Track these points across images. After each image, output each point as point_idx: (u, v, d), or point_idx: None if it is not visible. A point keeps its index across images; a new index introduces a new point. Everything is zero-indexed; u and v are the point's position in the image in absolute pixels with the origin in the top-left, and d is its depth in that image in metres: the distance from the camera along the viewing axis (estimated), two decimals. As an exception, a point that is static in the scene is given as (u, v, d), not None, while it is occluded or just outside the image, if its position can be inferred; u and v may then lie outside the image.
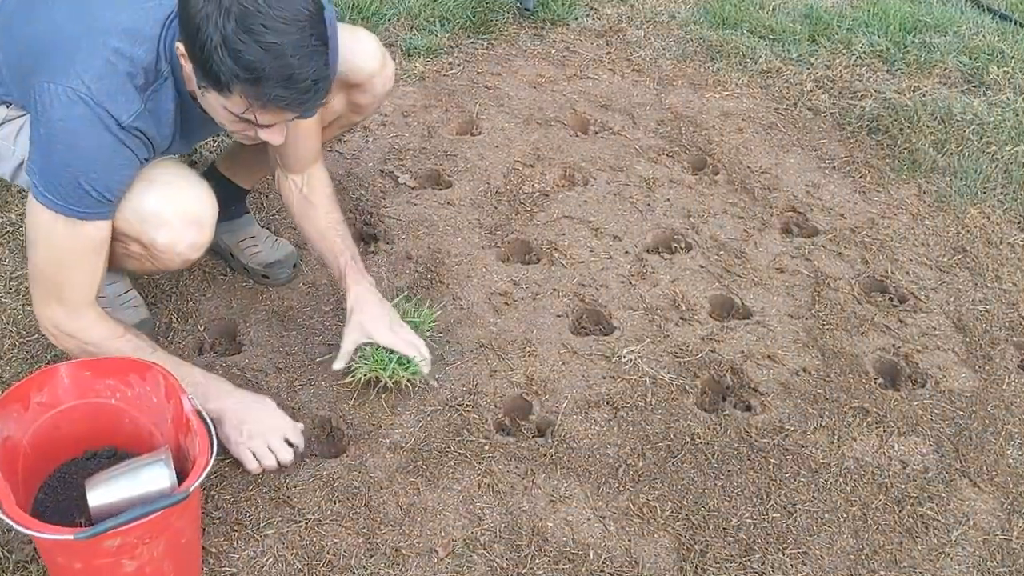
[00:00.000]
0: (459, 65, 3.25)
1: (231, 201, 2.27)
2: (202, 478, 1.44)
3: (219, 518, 1.75)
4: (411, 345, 1.93)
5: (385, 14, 3.44)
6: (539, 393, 2.07)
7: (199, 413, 1.56)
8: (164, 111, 1.60)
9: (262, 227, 2.35)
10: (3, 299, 2.17)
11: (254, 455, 1.77)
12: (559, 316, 2.28)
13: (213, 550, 1.70)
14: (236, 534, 1.73)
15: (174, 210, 1.69)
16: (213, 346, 2.14)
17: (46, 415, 1.64)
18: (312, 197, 2.02)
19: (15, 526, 1.35)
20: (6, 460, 1.54)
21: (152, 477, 1.56)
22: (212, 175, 2.25)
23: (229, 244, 2.28)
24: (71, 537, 1.33)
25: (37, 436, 1.63)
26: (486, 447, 1.94)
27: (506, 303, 2.30)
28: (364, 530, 1.77)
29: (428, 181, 2.72)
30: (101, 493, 1.55)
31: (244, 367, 2.07)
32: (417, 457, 1.91)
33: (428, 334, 2.13)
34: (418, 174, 2.72)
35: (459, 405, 2.02)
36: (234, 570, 1.68)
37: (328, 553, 1.72)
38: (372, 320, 1.92)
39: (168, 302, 2.20)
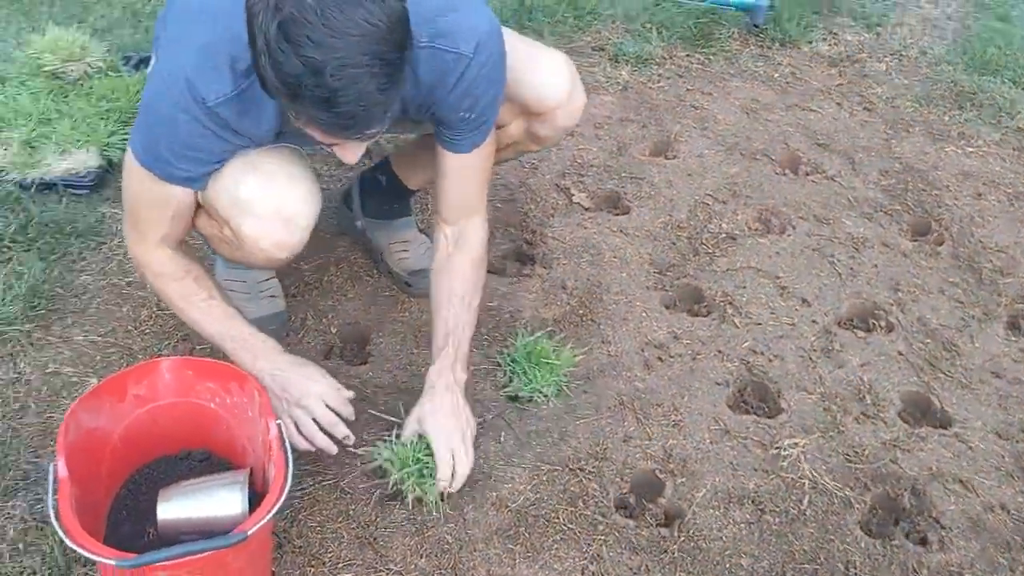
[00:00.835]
0: (668, 79, 2.99)
1: (394, 199, 2.14)
2: (264, 521, 1.30)
3: (300, 547, 1.62)
4: (447, 463, 1.67)
5: (600, 14, 3.23)
6: (675, 473, 1.81)
7: (283, 443, 1.42)
8: (262, 102, 1.45)
9: (421, 232, 2.20)
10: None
11: (296, 425, 1.62)
12: (718, 384, 2.00)
13: (284, 581, 1.58)
14: (313, 570, 1.59)
15: (267, 203, 1.56)
16: (342, 352, 2.02)
17: (142, 409, 1.56)
18: (455, 258, 1.77)
19: (63, 536, 1.26)
20: (88, 451, 1.46)
21: (225, 501, 1.45)
22: (384, 169, 2.13)
23: (381, 244, 2.16)
24: (113, 563, 1.22)
25: (131, 429, 1.55)
26: (600, 526, 1.70)
27: (660, 358, 2.04)
28: (446, 595, 1.59)
29: (605, 203, 2.49)
30: (171, 507, 1.46)
31: (366, 380, 1.93)
32: (521, 521, 1.70)
33: (563, 380, 1.92)
34: (595, 194, 2.49)
35: (580, 469, 1.79)
36: (299, 611, 1.55)
37: (401, 613, 1.56)
38: (435, 421, 1.68)
39: (308, 297, 2.10)
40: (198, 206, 1.61)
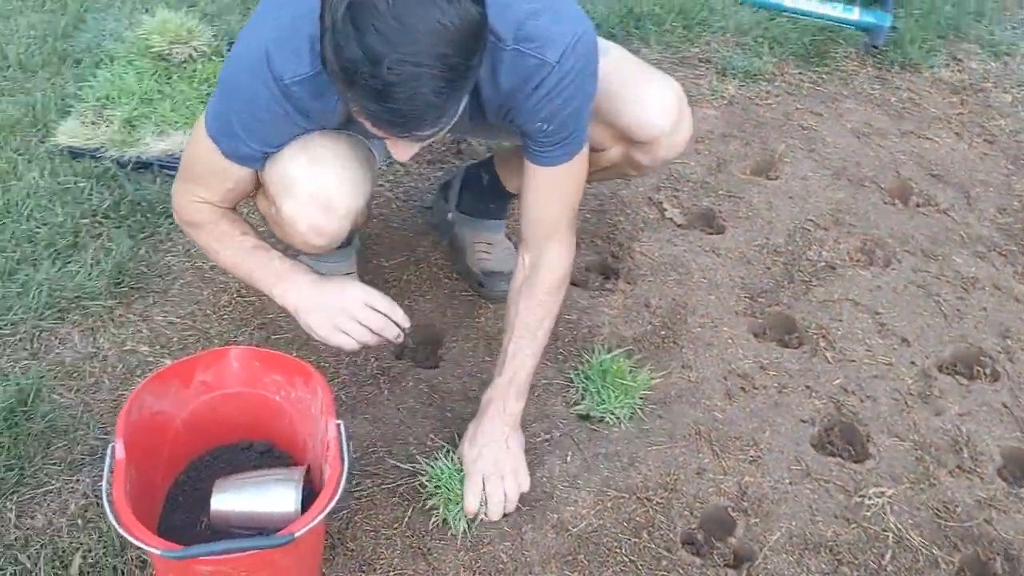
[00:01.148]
0: (776, 96, 2.87)
1: (491, 199, 2.09)
2: (313, 524, 1.27)
3: (352, 551, 1.58)
4: (474, 494, 1.61)
5: (710, 25, 3.12)
6: (749, 512, 1.71)
7: (341, 445, 1.38)
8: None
9: (509, 239, 2.15)
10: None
11: (341, 331, 1.58)
12: (804, 421, 1.89)
13: (334, 584, 1.54)
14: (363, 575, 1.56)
15: (308, 185, 1.52)
16: (414, 353, 1.98)
17: (208, 396, 1.55)
18: (529, 285, 1.67)
19: (112, 520, 1.24)
20: (150, 434, 1.45)
21: (279, 497, 1.43)
22: (488, 167, 2.07)
23: (465, 241, 2.11)
24: (158, 552, 1.20)
25: (195, 415, 1.54)
26: (664, 561, 1.62)
27: (743, 388, 1.94)
28: (496, 618, 1.53)
29: (698, 221, 2.39)
30: (225, 498, 1.44)
31: (435, 384, 1.89)
32: (581, 547, 1.63)
33: (638, 402, 1.84)
34: (689, 210, 2.40)
35: (648, 499, 1.71)
36: (345, 617, 1.51)
37: (449, 631, 1.51)
38: (472, 449, 1.64)
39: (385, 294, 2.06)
40: (258, 185, 1.59)
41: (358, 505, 1.66)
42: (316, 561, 1.47)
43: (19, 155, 2.29)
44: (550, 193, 1.63)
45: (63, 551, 1.52)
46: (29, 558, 1.51)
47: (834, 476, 1.78)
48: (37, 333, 1.88)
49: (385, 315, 1.59)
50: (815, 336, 2.07)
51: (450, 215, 2.13)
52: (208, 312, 1.99)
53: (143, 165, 2.29)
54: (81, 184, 2.21)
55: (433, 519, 1.64)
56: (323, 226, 1.55)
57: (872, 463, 1.82)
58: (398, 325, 1.60)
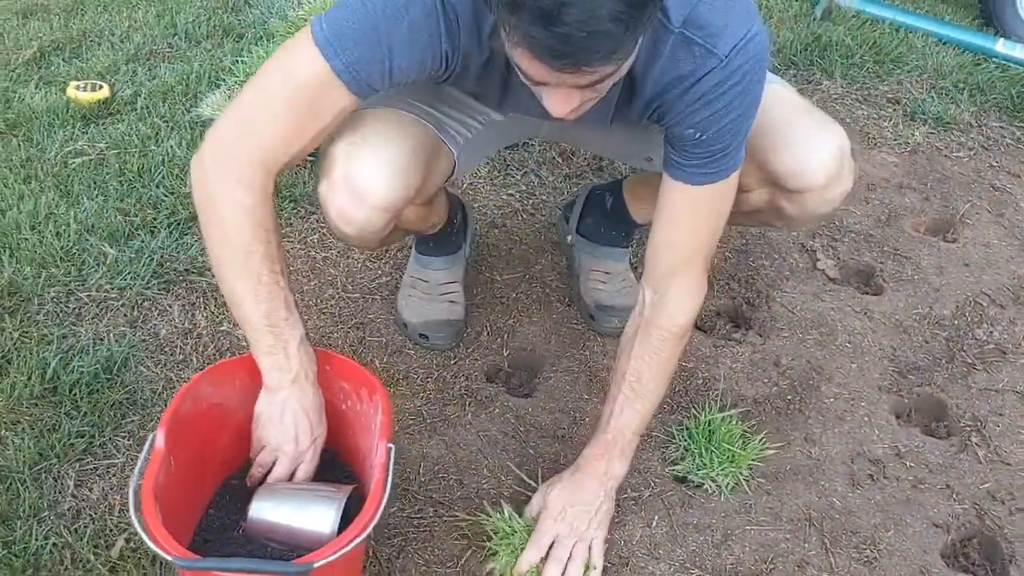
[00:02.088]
0: (970, 148, 2.55)
1: (613, 225, 1.93)
2: (334, 557, 1.15)
3: (400, 582, 1.47)
4: (537, 555, 1.45)
5: (906, 64, 2.83)
6: (852, 622, 1.48)
7: (387, 473, 1.26)
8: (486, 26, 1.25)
9: (632, 271, 1.98)
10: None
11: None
12: (937, 526, 1.62)
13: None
14: (405, 612, 1.44)
15: (345, 167, 1.39)
16: (508, 379, 1.84)
17: (272, 393, 1.46)
18: (650, 326, 1.45)
19: (131, 509, 1.17)
20: (205, 427, 1.39)
21: (317, 516, 1.32)
22: (614, 190, 1.92)
23: (583, 267, 1.96)
24: (170, 559, 1.12)
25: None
26: (739, 662, 1.41)
27: (872, 475, 1.69)
28: None
29: (855, 277, 2.14)
30: (264, 507, 1.35)
31: (523, 415, 1.75)
32: (648, 628, 1.45)
33: (744, 473, 1.64)
34: (846, 264, 2.15)
35: (736, 586, 1.51)
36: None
37: None
38: (555, 507, 1.47)
39: (491, 311, 1.95)
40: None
41: (415, 534, 1.54)
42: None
43: (164, 121, 2.32)
44: (688, 217, 1.40)
45: (110, 530, 1.48)
46: (76, 531, 1.47)
47: (962, 596, 1.52)
48: (140, 301, 1.87)
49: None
50: (968, 428, 1.79)
51: (570, 237, 1.99)
52: (309, 304, 1.93)
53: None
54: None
55: (490, 567, 1.49)
56: (352, 215, 1.41)
57: (1014, 589, 1.54)
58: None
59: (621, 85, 1.33)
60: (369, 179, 1.40)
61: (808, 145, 1.47)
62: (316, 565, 1.13)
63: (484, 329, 1.90)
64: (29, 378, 1.65)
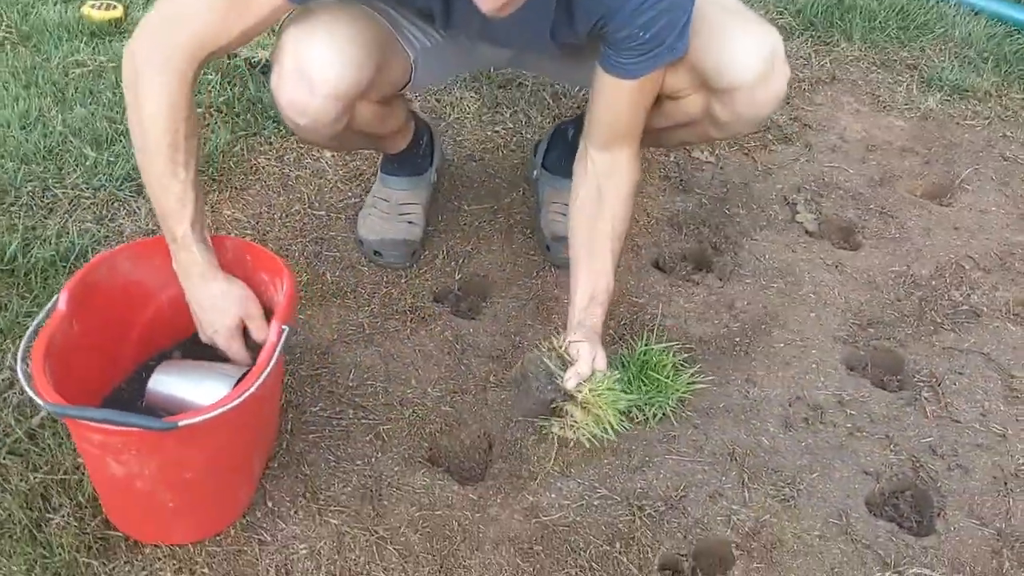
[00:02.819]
0: (986, 118, 2.45)
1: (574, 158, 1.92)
2: (197, 420, 1.17)
3: (306, 475, 1.48)
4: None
5: (932, 31, 2.73)
6: (755, 556, 1.44)
7: (271, 353, 1.28)
8: None
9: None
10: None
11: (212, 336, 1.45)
12: (867, 474, 1.57)
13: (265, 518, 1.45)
14: (304, 501, 1.45)
15: (296, 56, 1.41)
16: (456, 301, 1.84)
17: (197, 279, 1.50)
18: (604, 190, 1.58)
19: (16, 362, 1.22)
20: (119, 303, 1.42)
21: (211, 391, 1.35)
22: (577, 124, 1.91)
23: (543, 199, 1.95)
24: (41, 404, 1.16)
25: (181, 297, 1.50)
26: (628, 579, 1.40)
27: (808, 419, 1.65)
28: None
29: (834, 233, 2.08)
30: (163, 380, 1.39)
31: (463, 335, 1.74)
32: (544, 539, 1.44)
33: (674, 406, 1.61)
34: (828, 220, 2.09)
35: (641, 508, 1.49)
36: (265, 539, 1.41)
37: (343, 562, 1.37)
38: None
39: (450, 237, 1.95)
40: None
41: (331, 432, 1.56)
42: (237, 463, 1.37)
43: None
44: (627, 102, 1.51)
45: (31, 405, 1.52)
46: (4, 399, 1.53)
47: (878, 542, 1.47)
48: (110, 201, 1.93)
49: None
50: (922, 384, 1.73)
51: (535, 171, 1.98)
52: (275, 217, 1.96)
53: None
54: (209, 76, 2.25)
55: (397, 467, 1.51)
56: (304, 104, 1.43)
57: (934, 541, 1.48)
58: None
59: (558, 14, 1.39)
60: (320, 66, 1.42)
61: (738, 43, 1.48)
62: (181, 424, 1.16)
63: (441, 253, 1.91)
64: (-12, 259, 1.72)
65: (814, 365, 1.75)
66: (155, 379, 1.38)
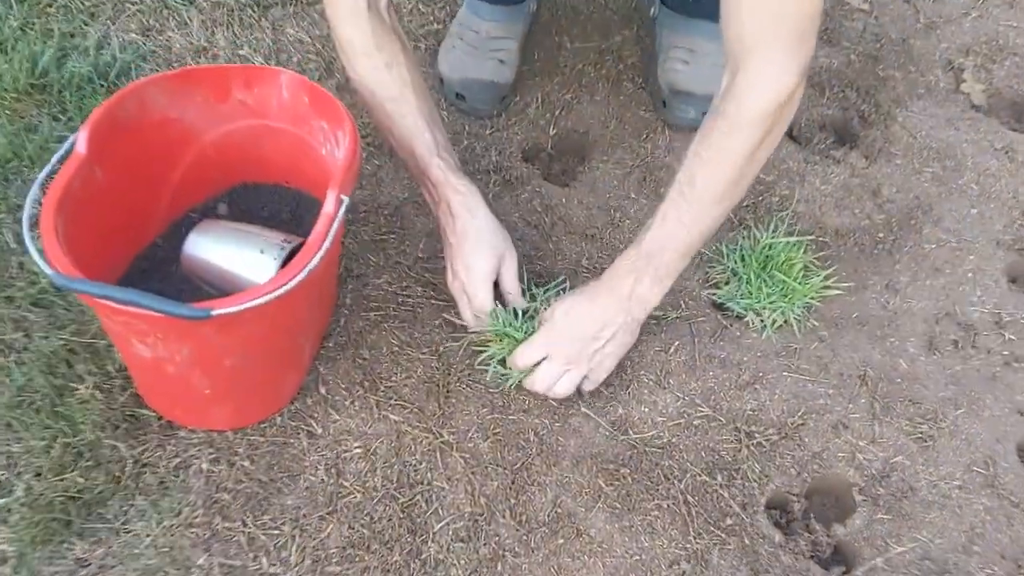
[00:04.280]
0: None
1: None
2: (235, 309, 0.96)
3: (365, 360, 1.28)
4: (527, 363, 1.25)
5: None
6: (882, 504, 1.22)
7: (329, 225, 1.04)
8: None
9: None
10: None
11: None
12: (1022, 415, 1.32)
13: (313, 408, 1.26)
14: (328, 409, 1.26)
15: None
16: (548, 162, 1.57)
17: (247, 122, 1.25)
18: (716, 113, 1.13)
19: (23, 222, 1.00)
20: (154, 144, 1.19)
21: (256, 264, 1.15)
22: None
23: (663, 44, 1.62)
24: (50, 275, 0.95)
25: (230, 141, 1.26)
26: (729, 520, 1.19)
27: (957, 342, 1.39)
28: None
29: (1006, 109, 1.73)
30: (201, 243, 1.18)
31: (554, 206, 1.49)
32: (631, 461, 1.23)
33: (798, 313, 1.36)
34: (998, 92, 1.74)
35: (750, 435, 1.27)
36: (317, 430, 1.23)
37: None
38: (565, 331, 1.23)
39: (548, 81, 1.65)
40: None
41: (396, 311, 1.34)
42: (284, 349, 1.17)
43: None
44: None
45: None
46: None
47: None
48: (159, 9, 1.66)
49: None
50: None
51: (653, 9, 1.65)
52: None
53: None
54: None
55: (469, 360, 1.30)
56: None
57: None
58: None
59: None
60: None
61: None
62: (214, 313, 0.95)
63: (534, 101, 1.62)
64: (19, 70, 1.49)
65: (970, 274, 1.47)
66: (192, 241, 1.17)
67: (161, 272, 1.22)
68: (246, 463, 1.18)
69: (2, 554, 1.08)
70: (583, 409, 1.27)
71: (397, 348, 1.31)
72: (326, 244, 1.03)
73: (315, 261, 1.01)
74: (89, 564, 1.09)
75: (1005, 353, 1.38)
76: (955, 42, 1.80)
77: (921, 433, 1.29)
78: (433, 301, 1.35)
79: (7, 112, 1.46)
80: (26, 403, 1.18)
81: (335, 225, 1.04)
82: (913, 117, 1.67)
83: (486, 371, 1.27)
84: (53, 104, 1.48)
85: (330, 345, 1.29)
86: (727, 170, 1.14)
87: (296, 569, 1.12)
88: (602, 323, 1.22)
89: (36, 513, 1.10)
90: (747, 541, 1.18)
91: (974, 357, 1.37)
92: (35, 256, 0.97)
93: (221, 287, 1.16)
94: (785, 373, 1.33)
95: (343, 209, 1.06)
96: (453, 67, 1.58)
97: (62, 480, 1.13)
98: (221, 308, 0.95)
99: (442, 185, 1.23)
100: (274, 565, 1.12)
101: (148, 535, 1.12)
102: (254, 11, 1.68)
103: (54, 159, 1.06)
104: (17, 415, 1.17)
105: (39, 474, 1.13)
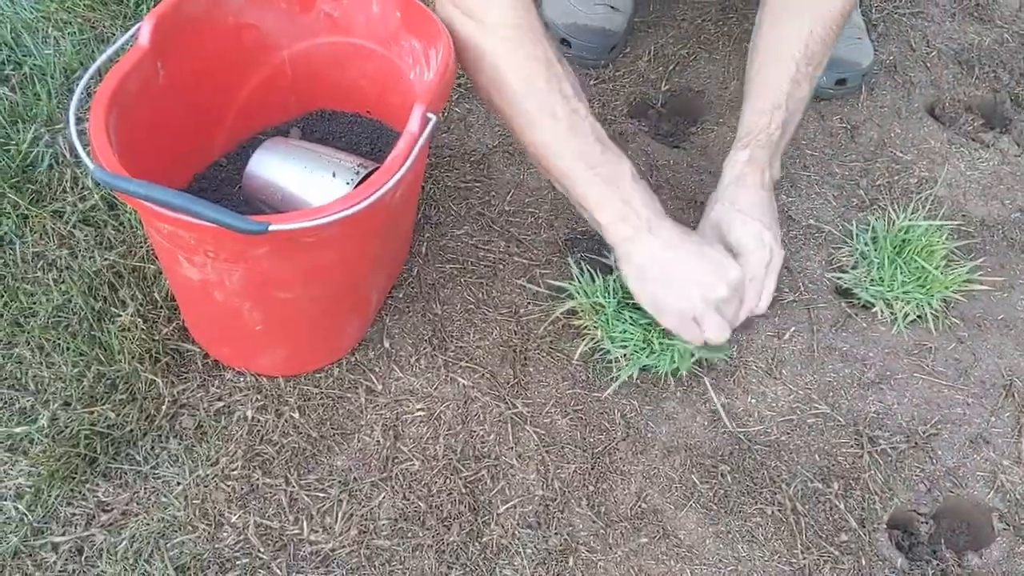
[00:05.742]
0: None
1: None
2: (296, 226, 0.82)
3: (437, 316, 1.15)
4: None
5: None
6: (1019, 527, 1.03)
7: (413, 145, 0.90)
8: None
9: (862, 18, 1.47)
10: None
11: (691, 322, 1.03)
12: None
13: (370, 365, 1.12)
14: (385, 363, 1.12)
15: None
16: (657, 120, 1.42)
17: (330, 38, 1.12)
18: None
19: (70, 124, 0.88)
20: (228, 45, 1.06)
21: (325, 187, 1.01)
22: None
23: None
24: (91, 168, 0.83)
25: (310, 57, 1.13)
26: (843, 536, 1.01)
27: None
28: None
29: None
30: (266, 162, 1.05)
31: (660, 167, 1.33)
32: (730, 458, 1.07)
33: (933, 305, 1.18)
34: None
35: (874, 441, 1.09)
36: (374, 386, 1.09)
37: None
38: (748, 225, 1.06)
39: (662, 35, 1.49)
40: None
41: (474, 266, 1.20)
42: (349, 288, 1.03)
43: None
44: None
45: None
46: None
47: None
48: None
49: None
50: None
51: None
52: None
53: None
54: None
55: (552, 328, 1.14)
56: None
57: None
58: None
59: None
60: None
61: None
62: (272, 228, 0.81)
63: (647, 53, 1.46)
64: (95, -20, 1.39)
65: None
66: (257, 158, 1.04)
67: (221, 193, 1.09)
68: (295, 415, 1.05)
69: (18, 488, 0.97)
70: (679, 393, 1.11)
71: (472, 306, 1.16)
72: (406, 165, 0.88)
73: (392, 183, 0.87)
74: (111, 509, 0.97)
75: None
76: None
77: (1076, 458, 1.10)
78: (517, 258, 1.21)
79: (79, 20, 1.36)
80: (62, 325, 1.06)
81: (418, 146, 0.90)
82: (1076, 104, 1.47)
83: (572, 340, 1.12)
84: (129, 16, 1.38)
85: (399, 296, 1.15)
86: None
87: (340, 539, 0.98)
88: (770, 210, 1.08)
89: (59, 446, 0.98)
90: (863, 562, 1.00)
91: None
92: (76, 145, 0.84)
93: (281, 211, 1.03)
94: (917, 374, 1.15)
95: (429, 128, 0.92)
96: (560, 11, 1.43)
97: (91, 412, 1.01)
98: (280, 224, 0.82)
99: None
100: (315, 532, 0.98)
101: (179, 483, 0.99)
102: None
103: (114, 46, 0.94)
104: (51, 337, 1.05)
105: (67, 403, 1.01)
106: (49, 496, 0.96)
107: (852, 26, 1.43)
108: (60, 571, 0.93)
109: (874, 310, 1.19)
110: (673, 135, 1.41)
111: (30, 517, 0.95)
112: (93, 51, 1.33)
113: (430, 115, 0.92)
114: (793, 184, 1.32)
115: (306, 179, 1.01)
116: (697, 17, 1.51)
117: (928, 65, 1.50)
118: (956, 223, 1.27)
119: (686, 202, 1.29)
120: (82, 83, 0.90)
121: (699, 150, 1.36)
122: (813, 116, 1.39)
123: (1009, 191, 1.35)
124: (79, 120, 0.91)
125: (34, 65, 1.30)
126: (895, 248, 1.20)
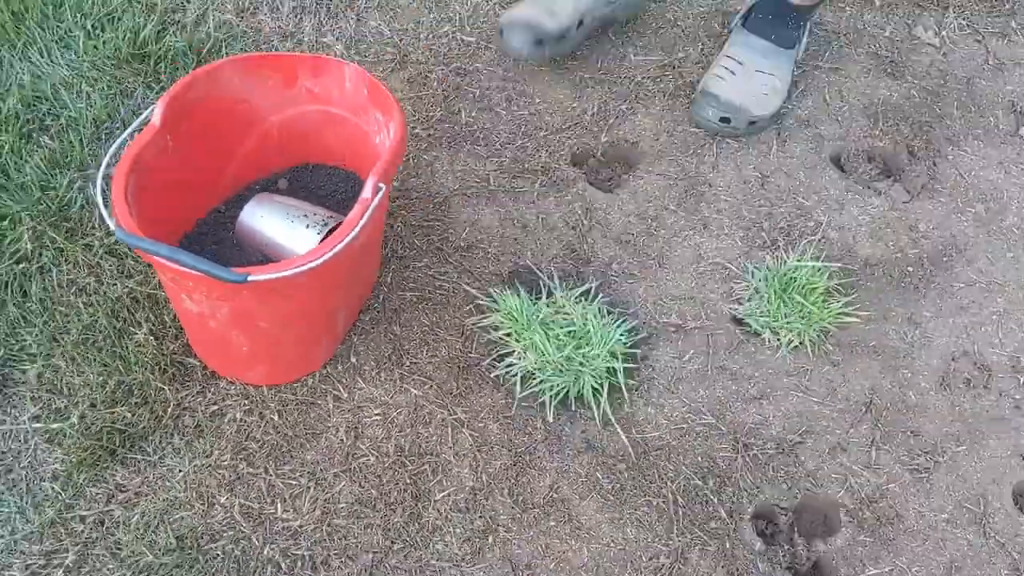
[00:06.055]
0: None
1: (770, 9, 1.66)
2: (267, 277, 1.07)
3: (395, 335, 1.39)
4: None
5: None
6: (866, 528, 1.27)
7: (365, 209, 1.14)
8: None
9: (774, 76, 1.68)
10: None
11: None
12: (1023, 459, 1.34)
13: (335, 380, 1.37)
14: (356, 376, 1.37)
15: None
16: (596, 168, 1.65)
17: (311, 107, 1.37)
18: None
19: (96, 182, 1.13)
20: (224, 121, 1.32)
21: (300, 238, 1.25)
22: None
23: (721, 53, 1.68)
24: (113, 228, 1.08)
25: (294, 124, 1.38)
26: (713, 523, 1.25)
27: (972, 381, 1.41)
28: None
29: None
30: (256, 213, 1.30)
31: (593, 209, 1.56)
32: (629, 461, 1.31)
33: (815, 335, 1.41)
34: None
35: (747, 447, 1.33)
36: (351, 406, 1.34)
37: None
38: None
39: (607, 90, 1.72)
40: None
41: (431, 294, 1.44)
42: (319, 320, 1.28)
43: None
44: None
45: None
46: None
47: (1016, 541, 1.26)
48: (254, -7, 1.80)
49: None
50: None
51: (732, 22, 1.71)
52: (420, 36, 1.78)
53: None
54: None
55: (491, 348, 1.39)
56: None
57: None
58: None
59: None
60: None
61: None
62: (250, 279, 1.06)
63: (591, 107, 1.70)
64: (122, 40, 1.64)
65: (995, 316, 1.49)
66: (247, 210, 1.29)
67: (218, 236, 1.34)
68: (275, 417, 1.30)
69: (54, 472, 1.23)
70: (588, 411, 1.35)
71: (427, 328, 1.41)
72: (358, 227, 1.13)
73: (348, 239, 1.11)
74: (127, 490, 1.23)
75: (1017, 397, 1.40)
76: (1022, 85, 1.80)
77: (917, 465, 1.33)
78: (467, 288, 1.45)
79: (107, 78, 1.61)
80: (89, 341, 1.32)
81: (370, 209, 1.15)
82: (965, 156, 1.68)
83: (502, 366, 1.36)
84: (149, 74, 1.63)
85: (366, 319, 1.40)
86: None
87: (307, 517, 1.23)
88: None
89: (87, 439, 1.24)
90: (728, 545, 1.24)
91: (984, 397, 1.40)
92: (102, 211, 1.09)
93: (268, 255, 1.28)
94: (793, 392, 1.38)
95: (379, 196, 1.16)
96: (512, 9, 1.65)
97: (112, 413, 1.27)
98: (257, 275, 1.07)
99: None
100: (287, 512, 1.23)
101: (180, 471, 1.24)
102: (342, 0, 1.80)
103: (130, 128, 1.19)
104: (81, 351, 1.31)
105: (93, 405, 1.27)
106: (78, 479, 1.22)
107: (760, 82, 1.64)
108: (86, 538, 1.19)
109: (763, 336, 1.43)
110: (609, 180, 1.64)
111: (63, 495, 1.21)
112: (119, 104, 1.58)
113: (381, 185, 1.17)
114: (705, 225, 1.55)
115: (286, 228, 1.26)
116: (637, 75, 1.74)
117: (839, 119, 1.72)
118: (841, 264, 1.50)
119: (613, 240, 1.53)
120: (103, 166, 1.15)
121: (630, 195, 1.59)
122: (731, 166, 1.62)
123: (894, 233, 1.57)
124: (105, 181, 1.16)
125: (69, 117, 1.55)
126: (782, 285, 1.43)
